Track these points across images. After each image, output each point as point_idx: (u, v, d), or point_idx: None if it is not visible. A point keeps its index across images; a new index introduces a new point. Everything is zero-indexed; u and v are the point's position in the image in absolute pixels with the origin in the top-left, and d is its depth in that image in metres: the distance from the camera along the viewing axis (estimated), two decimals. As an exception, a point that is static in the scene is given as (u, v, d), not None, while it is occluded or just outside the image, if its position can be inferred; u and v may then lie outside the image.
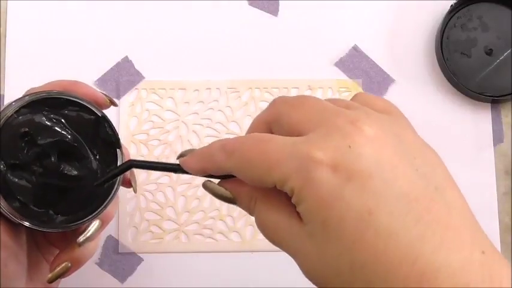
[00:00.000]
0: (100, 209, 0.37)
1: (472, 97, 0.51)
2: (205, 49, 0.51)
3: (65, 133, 0.37)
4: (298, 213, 0.30)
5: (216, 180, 0.34)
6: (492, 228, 0.37)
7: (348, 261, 0.28)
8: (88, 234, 0.38)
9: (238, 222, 0.49)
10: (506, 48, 0.51)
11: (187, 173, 0.34)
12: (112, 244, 0.49)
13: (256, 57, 0.51)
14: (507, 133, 0.51)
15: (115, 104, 0.41)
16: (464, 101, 0.51)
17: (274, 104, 0.33)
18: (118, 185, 0.38)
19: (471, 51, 0.51)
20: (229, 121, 0.50)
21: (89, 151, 0.37)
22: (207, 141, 0.50)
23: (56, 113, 0.37)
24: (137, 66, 0.51)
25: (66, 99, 0.37)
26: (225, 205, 0.49)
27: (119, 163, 0.38)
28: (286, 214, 0.31)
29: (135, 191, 0.41)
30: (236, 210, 0.49)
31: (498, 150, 0.51)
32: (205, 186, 0.35)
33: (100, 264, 0.48)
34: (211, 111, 0.50)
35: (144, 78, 0.51)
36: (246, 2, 0.52)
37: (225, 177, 0.34)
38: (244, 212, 0.49)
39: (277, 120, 0.32)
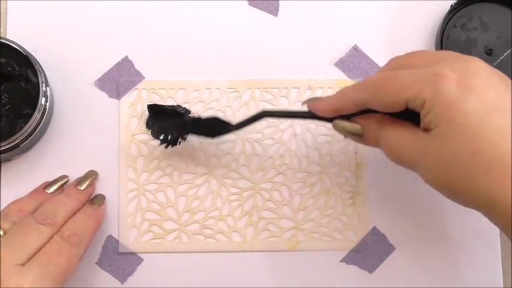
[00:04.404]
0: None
1: (472, 97, 0.51)
2: (205, 49, 0.52)
3: None
4: (422, 130, 0.39)
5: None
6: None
7: (470, 150, 0.36)
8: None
9: (239, 222, 0.50)
10: (506, 48, 0.51)
11: (316, 118, 0.44)
12: (112, 244, 0.50)
13: (256, 57, 0.52)
14: (507, 133, 0.51)
15: None
16: (464, 101, 0.52)
17: (393, 58, 0.43)
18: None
19: (471, 51, 0.52)
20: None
21: None
22: (207, 141, 0.50)
23: None
24: (137, 66, 0.52)
25: None
26: (226, 205, 0.50)
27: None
28: (411, 130, 0.40)
29: None
30: (237, 210, 0.50)
31: (498, 150, 0.51)
32: (335, 124, 0.43)
33: (100, 264, 0.49)
34: (212, 111, 0.51)
35: (144, 78, 0.52)
36: (246, 2, 0.53)
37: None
38: (245, 212, 0.50)
39: (398, 67, 0.41)
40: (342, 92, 0.43)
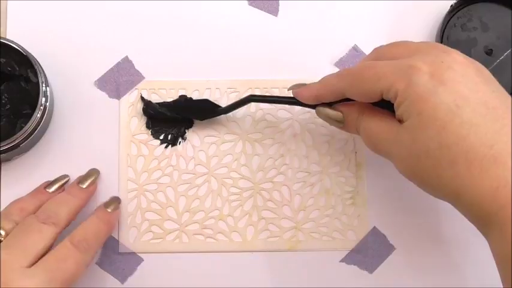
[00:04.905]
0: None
1: (472, 97, 0.51)
2: (205, 49, 0.52)
3: None
4: (397, 121, 0.40)
5: None
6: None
7: (437, 142, 0.37)
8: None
9: (239, 222, 0.50)
10: (506, 48, 0.52)
11: (300, 104, 0.45)
12: (112, 244, 0.50)
13: (256, 57, 0.52)
14: (507, 133, 0.51)
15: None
16: (464, 101, 0.52)
17: (376, 48, 0.44)
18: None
19: (471, 51, 0.52)
20: (229, 121, 0.51)
21: None
22: (207, 141, 0.51)
23: None
24: (137, 66, 0.52)
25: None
26: (226, 205, 0.50)
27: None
28: (389, 120, 0.41)
29: None
30: (237, 210, 0.50)
31: (498, 150, 0.51)
32: (318, 110, 0.45)
33: (100, 264, 0.49)
34: (212, 111, 0.51)
35: (144, 78, 0.52)
36: (246, 2, 0.53)
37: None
38: (244, 212, 0.50)
39: (380, 57, 0.42)
40: (324, 80, 0.44)
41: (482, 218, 0.37)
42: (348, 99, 0.43)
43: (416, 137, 0.38)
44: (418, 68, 0.38)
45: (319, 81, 0.44)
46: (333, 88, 0.43)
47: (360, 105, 0.43)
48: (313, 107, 0.45)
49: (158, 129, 0.51)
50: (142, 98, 0.50)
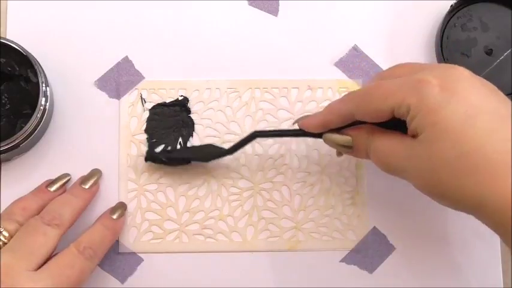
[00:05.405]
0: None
1: (472, 97, 0.51)
2: (205, 49, 0.52)
3: None
4: (410, 137, 0.39)
5: None
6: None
7: (456, 153, 0.37)
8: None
9: (239, 222, 0.50)
10: (506, 48, 0.52)
11: (307, 135, 0.45)
12: (112, 244, 0.49)
13: (256, 57, 0.52)
14: (507, 133, 0.51)
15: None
16: (464, 101, 0.52)
17: (378, 73, 0.45)
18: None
19: (471, 51, 0.52)
20: (229, 121, 0.51)
21: None
22: (207, 141, 0.51)
23: None
24: (137, 66, 0.52)
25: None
26: (226, 205, 0.50)
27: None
28: (399, 137, 0.40)
29: None
30: (237, 210, 0.50)
31: (498, 150, 0.51)
32: (325, 138, 0.45)
33: (100, 264, 0.49)
34: (212, 111, 0.51)
35: (144, 78, 0.52)
36: (246, 2, 0.53)
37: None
38: (245, 212, 0.50)
39: (384, 79, 0.42)
40: (329, 106, 0.44)
41: (504, 225, 0.37)
42: (353, 124, 0.43)
43: (433, 149, 0.38)
44: (428, 81, 0.38)
45: (324, 108, 0.44)
46: (339, 112, 0.43)
47: (369, 126, 0.43)
48: (320, 136, 0.45)
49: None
50: (148, 154, 0.50)
